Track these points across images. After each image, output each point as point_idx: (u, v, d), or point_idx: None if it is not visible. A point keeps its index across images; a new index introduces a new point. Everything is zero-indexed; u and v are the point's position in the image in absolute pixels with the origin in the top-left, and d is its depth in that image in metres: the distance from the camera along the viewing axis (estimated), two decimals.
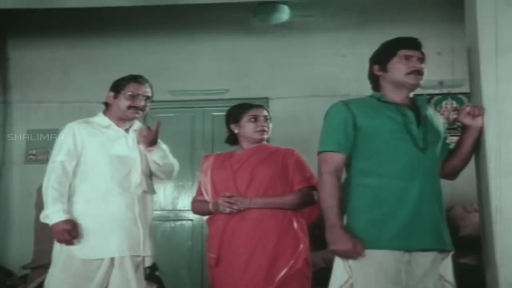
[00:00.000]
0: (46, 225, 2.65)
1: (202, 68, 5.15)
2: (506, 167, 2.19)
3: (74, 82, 5.16)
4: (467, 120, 2.26)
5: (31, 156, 5.07)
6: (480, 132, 2.26)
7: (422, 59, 2.27)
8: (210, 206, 2.77)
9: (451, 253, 2.24)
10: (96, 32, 5.10)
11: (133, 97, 2.72)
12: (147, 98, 2.77)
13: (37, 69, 5.23)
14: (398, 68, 2.25)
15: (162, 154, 2.82)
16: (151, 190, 2.84)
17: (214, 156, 2.94)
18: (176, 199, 5.13)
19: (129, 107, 2.72)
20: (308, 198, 2.76)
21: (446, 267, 2.22)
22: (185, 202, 5.03)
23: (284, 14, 4.78)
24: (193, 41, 5.20)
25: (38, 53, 5.23)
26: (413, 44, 2.29)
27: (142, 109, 2.76)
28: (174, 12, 4.72)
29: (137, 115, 2.77)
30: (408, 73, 2.23)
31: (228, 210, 2.68)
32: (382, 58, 2.31)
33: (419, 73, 2.25)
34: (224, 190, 2.73)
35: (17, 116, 5.21)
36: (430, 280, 2.17)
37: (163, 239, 4.98)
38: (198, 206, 2.91)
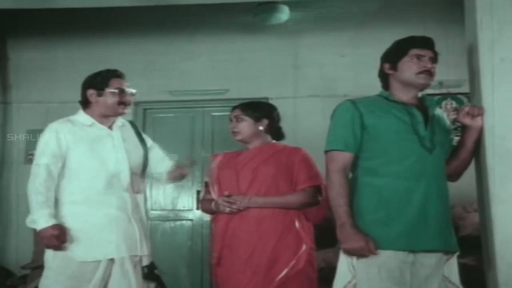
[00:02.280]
0: None
1: (202, 68, 5.15)
2: (506, 167, 2.18)
3: (74, 82, 5.05)
4: (467, 120, 2.25)
5: (31, 156, 4.99)
6: (480, 132, 2.25)
7: (434, 59, 2.23)
8: (213, 205, 2.76)
9: (456, 254, 2.22)
10: (96, 32, 5.10)
11: (122, 92, 2.68)
12: (132, 93, 2.73)
13: (37, 69, 5.22)
14: (408, 68, 2.21)
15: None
16: (140, 190, 2.76)
17: (221, 155, 2.91)
18: (176, 199, 5.12)
19: (119, 103, 2.67)
20: (312, 198, 2.72)
21: (451, 268, 2.20)
22: (184, 202, 5.02)
23: (283, 14, 4.78)
24: (193, 41, 5.20)
25: (38, 53, 5.23)
26: (425, 43, 2.25)
27: (130, 104, 2.72)
28: (174, 12, 4.71)
29: (125, 111, 2.72)
30: (418, 73, 2.20)
31: (227, 209, 2.67)
32: (393, 56, 2.27)
33: (429, 73, 2.21)
34: (228, 189, 2.72)
35: (17, 116, 5.21)
36: (435, 281, 2.15)
37: (163, 239, 4.98)
38: (204, 205, 2.90)
